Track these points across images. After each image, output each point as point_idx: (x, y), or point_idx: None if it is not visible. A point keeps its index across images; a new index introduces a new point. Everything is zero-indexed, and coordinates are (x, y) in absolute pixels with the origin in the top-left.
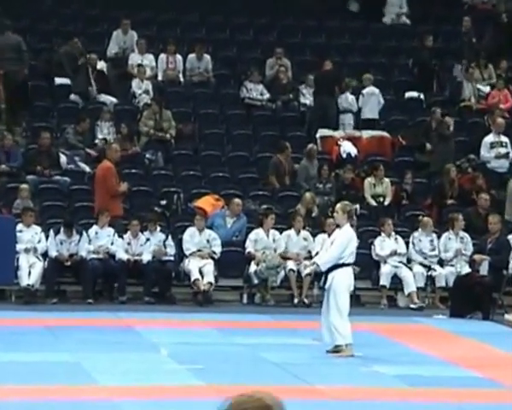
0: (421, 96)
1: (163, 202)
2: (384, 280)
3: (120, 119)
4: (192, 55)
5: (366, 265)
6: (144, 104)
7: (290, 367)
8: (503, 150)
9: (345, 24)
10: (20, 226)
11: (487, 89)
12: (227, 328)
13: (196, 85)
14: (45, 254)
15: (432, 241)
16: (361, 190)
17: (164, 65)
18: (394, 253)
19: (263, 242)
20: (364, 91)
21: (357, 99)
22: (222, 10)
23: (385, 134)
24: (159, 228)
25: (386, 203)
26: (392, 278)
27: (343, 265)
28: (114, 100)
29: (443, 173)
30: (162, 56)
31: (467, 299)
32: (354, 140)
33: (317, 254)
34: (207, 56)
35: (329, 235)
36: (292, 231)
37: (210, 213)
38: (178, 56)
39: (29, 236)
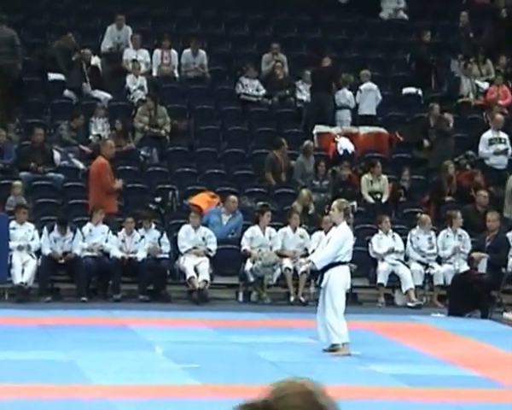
0: (419, 92)
1: (158, 199)
2: (381, 278)
3: (115, 115)
4: (187, 51)
5: (363, 263)
6: (139, 100)
7: (286, 366)
8: (501, 147)
9: (341, 19)
10: (13, 224)
11: (486, 85)
12: (223, 326)
13: (191, 81)
14: (39, 252)
15: (430, 238)
16: (358, 187)
17: (159, 60)
18: (392, 250)
19: (259, 239)
20: (362, 87)
21: (355, 95)
22: (217, 5)
23: (382, 130)
24: (153, 225)
25: (383, 200)
26: (390, 276)
27: (339, 263)
28: (109, 96)
29: (441, 170)
30: (157, 52)
31: (465, 297)
32: (351, 136)
33: (313, 251)
34: (203, 52)
35: (326, 232)
36: (288, 229)
37: (205, 211)
38: (173, 52)
39: (22, 233)
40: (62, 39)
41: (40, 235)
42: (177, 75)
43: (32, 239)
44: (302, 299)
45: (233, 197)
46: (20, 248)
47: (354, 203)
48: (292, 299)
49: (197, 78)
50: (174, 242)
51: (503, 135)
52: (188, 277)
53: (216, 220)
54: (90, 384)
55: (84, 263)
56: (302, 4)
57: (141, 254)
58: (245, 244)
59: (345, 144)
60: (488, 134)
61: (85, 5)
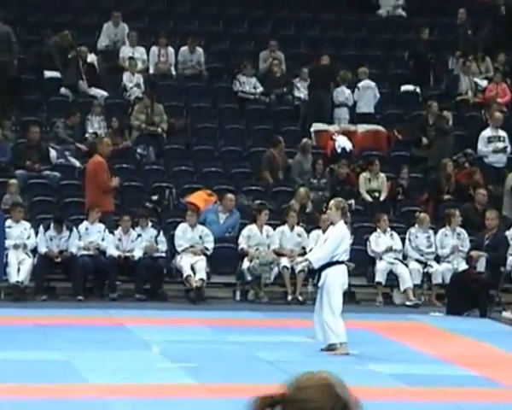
0: (418, 90)
1: (154, 198)
2: (379, 277)
3: (111, 113)
4: (184, 48)
5: (361, 261)
6: (135, 98)
7: (284, 365)
8: (500, 145)
9: (339, 16)
10: (9, 222)
11: (484, 82)
12: (220, 325)
13: (188, 79)
14: (34, 251)
15: (428, 237)
16: (356, 186)
17: (155, 58)
18: (390, 249)
19: (256, 238)
20: (360, 85)
21: (353, 93)
22: (215, 2)
23: (380, 128)
24: (150, 224)
25: (381, 199)
26: (388, 275)
27: (337, 262)
28: (105, 93)
29: (439, 168)
30: (154, 49)
31: (464, 296)
32: (349, 134)
33: (311, 250)
34: (200, 49)
35: (324, 231)
36: (286, 227)
37: (202, 209)
38: (170, 49)
39: (18, 232)
40: (58, 36)
41: (36, 233)
42: (174, 73)
43: (28, 238)
44: (300, 298)
45: (230, 196)
46: (16, 246)
47: (352, 202)
48: (289, 298)
49: (194, 75)
50: (171, 240)
51: (501, 133)
52: (185, 275)
53: (213, 219)
54: (87, 384)
55: (81, 262)
56: (301, 2)
57: (137, 253)
58: (242, 243)
59: (343, 142)
60: (487, 132)
61: (81, 2)
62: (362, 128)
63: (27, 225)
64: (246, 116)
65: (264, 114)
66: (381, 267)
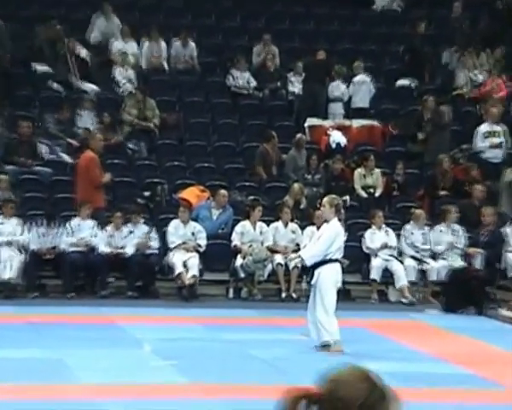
0: (413, 85)
1: (146, 194)
2: (374, 274)
3: (103, 108)
4: (176, 42)
5: (356, 258)
6: (127, 92)
7: (278, 364)
8: (497, 140)
9: (334, 10)
10: (0, 218)
11: (481, 77)
12: (212, 323)
13: (181, 73)
14: (25, 247)
15: (424, 234)
16: (351, 181)
17: (147, 52)
18: (385, 246)
19: (249, 234)
20: (355, 80)
21: (348, 87)
22: None
23: (375, 123)
24: (142, 220)
25: (376, 195)
26: (383, 272)
27: (330, 261)
28: (96, 88)
29: (435, 164)
30: (146, 43)
31: (460, 293)
32: (344, 129)
33: (305, 246)
34: (192, 43)
35: (318, 227)
36: (279, 224)
37: (195, 205)
38: (162, 43)
39: (9, 228)
40: (48, 27)
41: (27, 230)
42: (166, 67)
43: (19, 234)
44: (294, 295)
45: (223, 192)
46: (7, 243)
47: (347, 198)
48: (283, 295)
49: (187, 70)
50: (163, 237)
51: (498, 128)
52: (177, 273)
53: (206, 215)
54: (78, 383)
55: (71, 259)
56: None
57: (129, 250)
58: (235, 240)
59: (337, 137)
60: (484, 127)
61: None
62: (357, 123)
63: (18, 221)
64: (239, 111)
65: (257, 109)
66: (376, 264)
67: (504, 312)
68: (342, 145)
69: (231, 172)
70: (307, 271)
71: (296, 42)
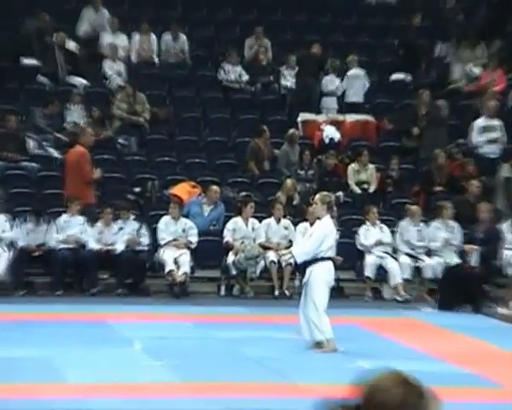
0: (408, 78)
1: (137, 190)
2: (368, 271)
3: (91, 102)
4: (167, 35)
5: (350, 255)
6: (117, 86)
7: (270, 363)
8: (494, 135)
9: (327, 2)
10: None
11: (478, 70)
12: (204, 321)
13: (172, 67)
14: (12, 244)
15: (419, 231)
16: (344, 177)
17: (137, 45)
18: (379, 243)
19: (241, 231)
20: (349, 73)
21: (341, 81)
22: None
23: (369, 118)
24: (132, 216)
25: (370, 191)
26: (378, 269)
27: (322, 259)
28: (85, 82)
29: (431, 159)
30: (135, 36)
31: (456, 291)
32: (337, 124)
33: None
34: (183, 36)
35: (311, 224)
36: (272, 220)
37: (186, 201)
38: (153, 36)
39: None
40: (37, 19)
41: (13, 226)
42: (156, 60)
43: (5, 231)
44: (287, 292)
45: (215, 187)
46: None
47: (340, 194)
48: (276, 293)
49: (177, 63)
50: (153, 233)
51: (496, 122)
52: (168, 270)
53: (197, 211)
54: (66, 383)
55: (60, 255)
56: None
57: (119, 247)
58: (227, 236)
59: (331, 132)
60: (480, 121)
61: None
62: (350, 118)
63: (4, 217)
64: (231, 105)
65: (249, 104)
66: (371, 261)
67: (501, 310)
68: (336, 140)
69: (223, 167)
70: (300, 268)
71: (289, 34)
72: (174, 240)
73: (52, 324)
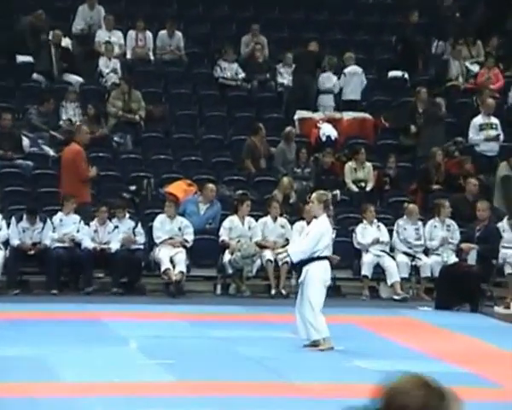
0: (406, 76)
1: (132, 188)
2: (366, 270)
3: (87, 99)
4: (163, 32)
5: (347, 254)
6: (112, 84)
7: (267, 362)
8: (492, 133)
9: None
10: None
11: (476, 67)
12: (200, 320)
13: (167, 64)
14: (6, 243)
15: (417, 229)
16: (341, 175)
17: (133, 42)
18: (376, 241)
19: (238, 229)
20: (346, 71)
21: (338, 79)
22: None
23: (367, 116)
24: (127, 215)
25: (368, 189)
26: (375, 268)
27: (318, 258)
28: (80, 79)
29: (429, 157)
30: (131, 33)
31: (454, 290)
32: (334, 122)
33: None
34: (179, 33)
35: (308, 222)
36: (268, 218)
37: (182, 200)
38: (148, 33)
39: None
40: (32, 16)
41: (8, 225)
42: (152, 58)
43: (0, 229)
44: (283, 291)
45: (211, 186)
46: None
47: (337, 192)
48: (273, 292)
49: (173, 60)
50: (149, 232)
51: (494, 120)
52: (163, 268)
53: (193, 210)
54: (60, 382)
55: (55, 254)
56: None
57: (114, 245)
58: (223, 235)
59: (328, 130)
60: (478, 119)
61: None
62: (347, 115)
63: None
64: (227, 103)
65: (246, 101)
66: (368, 260)
67: (501, 309)
68: (333, 138)
69: (219, 165)
70: (296, 267)
71: (285, 32)
72: (170, 239)
73: (47, 322)
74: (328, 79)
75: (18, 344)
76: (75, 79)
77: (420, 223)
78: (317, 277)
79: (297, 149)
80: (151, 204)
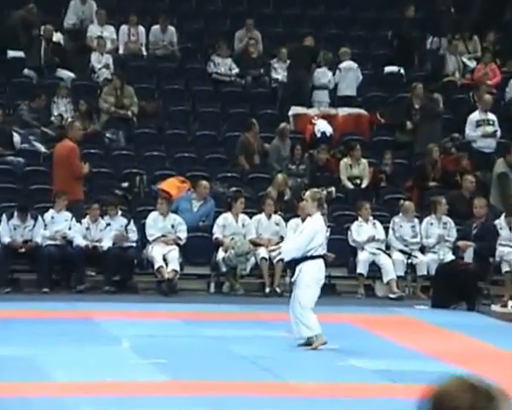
0: (402, 71)
1: (124, 185)
2: (361, 268)
3: (79, 95)
4: (155, 27)
5: (342, 252)
6: (104, 79)
7: (261, 361)
8: (489, 129)
9: None
10: None
11: (473, 63)
12: (193, 319)
13: (160, 59)
14: None
15: (413, 226)
16: (336, 172)
17: (125, 37)
18: (372, 239)
19: (231, 227)
20: (341, 66)
21: (333, 74)
22: None
23: (362, 112)
24: (120, 212)
25: (363, 186)
26: (370, 266)
27: (312, 257)
28: (72, 75)
29: (425, 154)
30: (123, 28)
31: (450, 288)
32: (329, 118)
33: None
34: (172, 28)
35: (303, 220)
36: (262, 216)
37: (175, 197)
38: (141, 28)
39: None
40: (24, 10)
41: None
42: (144, 53)
43: None
44: (278, 290)
45: (204, 183)
46: None
47: (332, 189)
48: (267, 290)
49: (166, 56)
50: (142, 229)
51: (491, 116)
52: (156, 266)
53: (186, 207)
54: (51, 382)
55: (46, 252)
56: None
57: (106, 243)
58: (217, 232)
59: (322, 126)
60: (475, 115)
61: None
62: (343, 111)
63: None
64: (221, 99)
65: (239, 97)
66: (363, 258)
67: (498, 308)
68: (328, 134)
69: (213, 162)
70: (290, 265)
71: (280, 27)
72: (163, 236)
73: (38, 321)
74: (323, 75)
75: (9, 343)
76: (67, 74)
77: (416, 220)
78: (310, 276)
79: (291, 146)
80: (144, 201)
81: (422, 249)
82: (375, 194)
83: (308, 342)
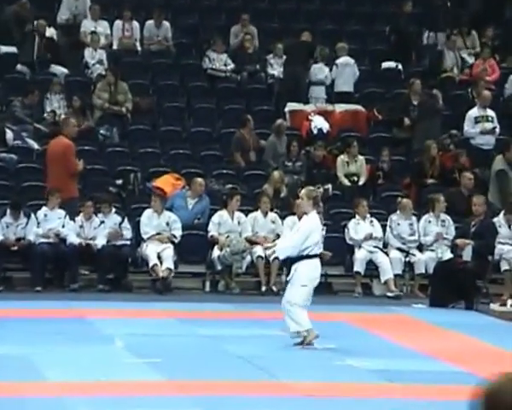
0: (399, 67)
1: (118, 182)
2: (358, 266)
3: (72, 91)
4: (150, 22)
5: (339, 250)
6: (98, 75)
7: (257, 361)
8: (488, 125)
9: None
10: None
11: (471, 58)
12: (188, 318)
13: (155, 55)
14: None
15: (411, 225)
16: (333, 169)
17: (119, 32)
18: (369, 237)
19: (227, 225)
20: (338, 62)
21: (330, 70)
22: None
23: (359, 108)
24: (114, 210)
25: (360, 183)
26: (368, 264)
27: (308, 256)
28: (65, 70)
29: (423, 151)
30: (117, 23)
31: (448, 287)
32: (326, 114)
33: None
34: (166, 23)
35: (299, 217)
36: (258, 213)
37: (169, 194)
38: (135, 23)
39: None
40: (17, 5)
41: None
42: (139, 48)
43: None
44: (274, 288)
45: (199, 180)
46: None
47: (329, 186)
48: (263, 289)
49: (161, 51)
50: (136, 227)
51: (490, 113)
52: (150, 265)
53: (181, 204)
54: (45, 381)
55: (39, 250)
56: None
57: (100, 241)
58: (212, 230)
59: (319, 123)
60: (474, 112)
61: None
62: (340, 108)
63: None
64: (216, 95)
65: (235, 93)
66: (360, 256)
67: (496, 307)
68: (324, 131)
69: (208, 159)
70: (286, 264)
71: (276, 22)
72: (157, 234)
73: (31, 320)
74: (319, 71)
75: (1, 343)
76: (60, 70)
77: (414, 218)
78: (305, 275)
79: (288, 142)
80: (138, 199)
81: (420, 247)
82: (373, 191)
83: (302, 341)
